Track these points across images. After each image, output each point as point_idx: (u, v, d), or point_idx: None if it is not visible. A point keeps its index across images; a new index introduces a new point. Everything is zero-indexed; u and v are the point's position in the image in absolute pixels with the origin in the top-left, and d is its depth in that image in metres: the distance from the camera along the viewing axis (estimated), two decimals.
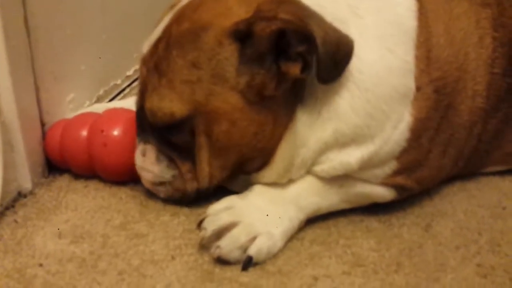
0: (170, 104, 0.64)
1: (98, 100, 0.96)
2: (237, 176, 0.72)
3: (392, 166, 0.69)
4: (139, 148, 0.72)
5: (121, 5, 1.00)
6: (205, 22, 0.63)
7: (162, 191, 0.73)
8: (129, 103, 0.86)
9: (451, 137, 0.73)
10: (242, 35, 0.62)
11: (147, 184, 0.73)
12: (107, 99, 1.00)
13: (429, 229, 0.73)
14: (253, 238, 0.66)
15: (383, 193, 0.72)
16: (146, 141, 0.71)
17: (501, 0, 0.74)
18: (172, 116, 0.65)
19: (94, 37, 0.93)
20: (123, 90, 1.06)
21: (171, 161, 0.70)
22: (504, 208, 0.77)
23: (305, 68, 0.62)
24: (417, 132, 0.68)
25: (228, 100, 0.64)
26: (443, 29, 0.70)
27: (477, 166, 0.81)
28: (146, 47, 0.69)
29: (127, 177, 0.78)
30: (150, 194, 0.77)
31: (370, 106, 0.65)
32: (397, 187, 0.72)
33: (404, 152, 0.68)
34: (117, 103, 0.92)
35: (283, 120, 0.66)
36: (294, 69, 0.62)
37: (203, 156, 0.67)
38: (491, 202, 0.78)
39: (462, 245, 0.70)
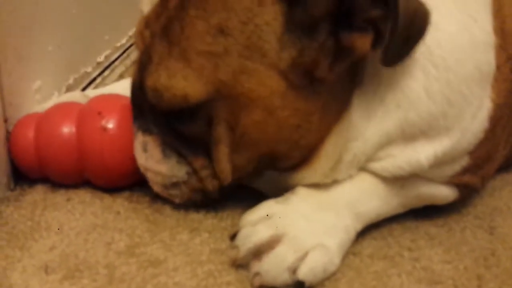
0: (183, 83, 0.48)
1: (67, 90, 0.77)
2: (264, 173, 0.58)
3: (463, 162, 0.58)
4: (138, 140, 0.56)
5: None
6: None
7: (177, 195, 0.57)
8: (115, 89, 0.69)
9: None
10: None
11: (157, 189, 0.57)
12: (77, 90, 0.80)
13: (494, 232, 0.63)
14: (303, 256, 0.52)
15: (447, 194, 0.60)
16: (145, 130, 0.55)
17: None
18: (185, 99, 0.48)
19: (62, 9, 0.74)
20: (94, 79, 0.87)
21: (181, 156, 0.55)
22: None
23: (375, 41, 0.47)
24: (494, 121, 0.57)
25: (265, 81, 0.48)
26: None
27: None
28: (147, 3, 0.52)
29: (131, 176, 0.60)
30: (156, 205, 0.61)
31: (450, 89, 0.52)
32: (461, 186, 0.61)
33: (479, 145, 0.57)
34: (100, 91, 0.73)
35: (334, 109, 0.52)
36: (364, 42, 0.47)
37: (222, 152, 0.52)
38: None
39: None
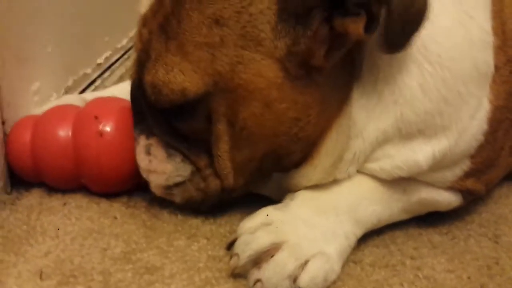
0: (181, 77, 0.48)
1: (66, 92, 0.76)
2: (268, 175, 0.57)
3: (464, 166, 0.56)
4: (140, 144, 0.56)
5: None
6: None
7: (178, 194, 0.56)
8: (114, 91, 0.68)
9: None
10: None
11: (157, 190, 0.56)
12: (76, 92, 0.80)
13: (499, 240, 0.61)
14: (304, 263, 0.51)
15: (450, 199, 0.59)
16: (148, 134, 0.55)
17: None
18: (183, 93, 0.48)
19: (61, 9, 0.73)
20: (94, 81, 0.86)
21: (185, 156, 0.54)
22: None
23: (369, 25, 0.45)
24: (495, 124, 0.56)
25: (262, 72, 0.48)
26: None
27: None
28: (145, 3, 0.51)
29: (129, 181, 0.59)
30: (154, 211, 0.60)
31: (446, 87, 0.51)
32: (464, 192, 0.59)
33: (480, 149, 0.56)
34: (99, 93, 0.72)
35: (333, 102, 0.52)
36: (356, 27, 0.45)
37: (223, 149, 0.52)
38: None
39: None
